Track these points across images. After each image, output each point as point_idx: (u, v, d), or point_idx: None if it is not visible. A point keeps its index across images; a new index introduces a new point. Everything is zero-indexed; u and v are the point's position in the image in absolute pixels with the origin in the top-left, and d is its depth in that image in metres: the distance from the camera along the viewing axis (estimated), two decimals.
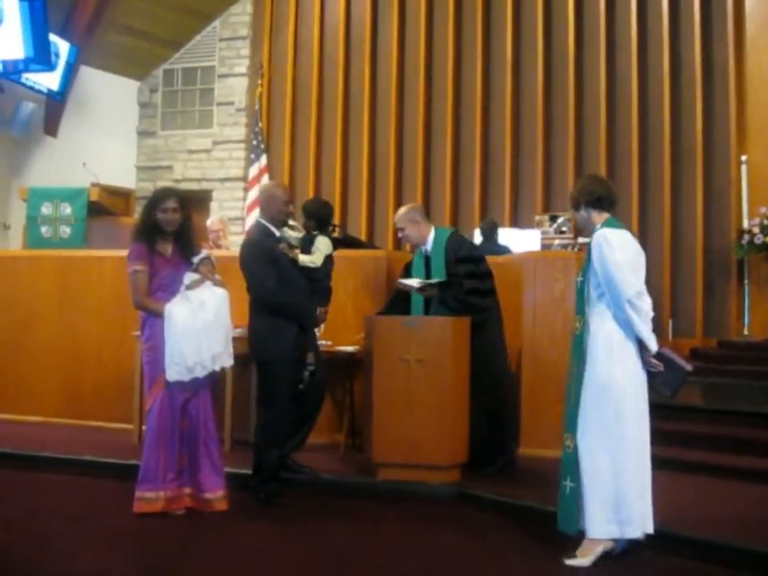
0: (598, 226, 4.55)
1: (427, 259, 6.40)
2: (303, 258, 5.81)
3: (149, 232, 5.24)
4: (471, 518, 5.34)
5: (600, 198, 4.57)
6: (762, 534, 4.71)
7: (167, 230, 5.26)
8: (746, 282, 9.80)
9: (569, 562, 4.33)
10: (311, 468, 6.05)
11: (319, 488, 5.89)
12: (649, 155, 10.50)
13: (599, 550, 4.34)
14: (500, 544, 4.81)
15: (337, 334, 6.86)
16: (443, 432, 5.72)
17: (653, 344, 4.37)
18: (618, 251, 4.36)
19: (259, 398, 5.78)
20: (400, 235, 6.52)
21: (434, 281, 6.18)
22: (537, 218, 10.37)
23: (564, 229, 10.01)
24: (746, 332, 9.68)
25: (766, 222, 9.35)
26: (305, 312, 5.77)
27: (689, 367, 4.53)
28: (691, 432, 6.57)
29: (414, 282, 6.20)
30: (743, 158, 9.91)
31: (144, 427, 6.15)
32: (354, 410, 6.94)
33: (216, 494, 5.22)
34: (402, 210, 6.53)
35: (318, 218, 6.30)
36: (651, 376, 4.46)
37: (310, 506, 5.50)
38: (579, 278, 4.56)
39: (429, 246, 6.37)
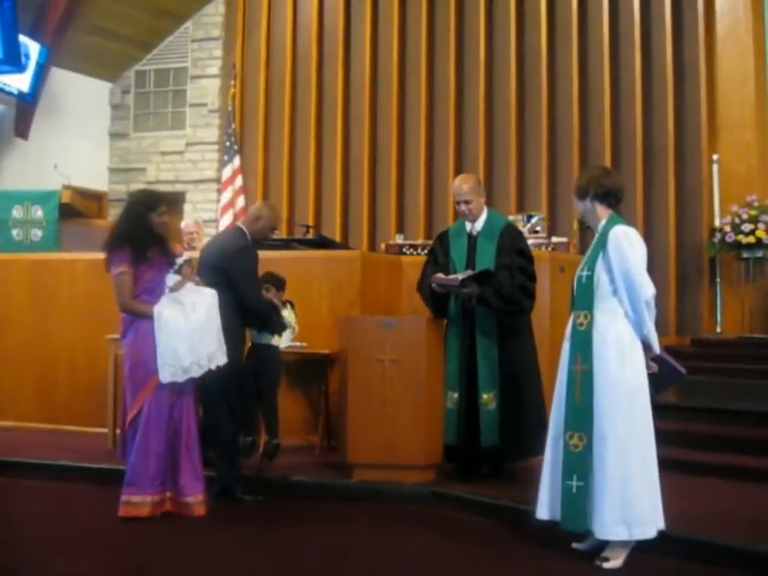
0: (603, 220, 4.49)
1: (471, 239, 5.95)
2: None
3: (143, 237, 5.20)
4: (446, 517, 5.34)
5: (609, 192, 4.50)
6: (736, 529, 4.74)
7: (161, 232, 5.26)
8: (717, 280, 9.86)
9: (605, 565, 4.27)
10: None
11: (294, 489, 5.87)
12: (621, 154, 10.55)
13: (628, 549, 4.32)
14: (476, 543, 4.81)
15: (311, 335, 6.84)
16: (418, 432, 5.71)
17: (657, 346, 4.35)
18: (638, 249, 4.33)
19: (201, 400, 5.70)
20: (463, 208, 5.88)
21: (472, 272, 5.71)
22: (510, 217, 10.37)
23: (538, 228, 10.04)
24: (718, 330, 9.75)
25: (737, 220, 9.43)
26: (278, 323, 6.06)
27: (683, 370, 4.51)
28: (664, 429, 6.58)
29: (457, 276, 5.70)
30: (714, 156, 9.98)
31: (118, 431, 6.14)
32: (329, 411, 6.93)
33: (196, 498, 5.20)
34: (468, 180, 5.99)
35: (277, 287, 6.35)
36: None
37: (285, 508, 5.49)
38: (585, 272, 4.45)
39: (479, 225, 5.92)
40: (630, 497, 4.23)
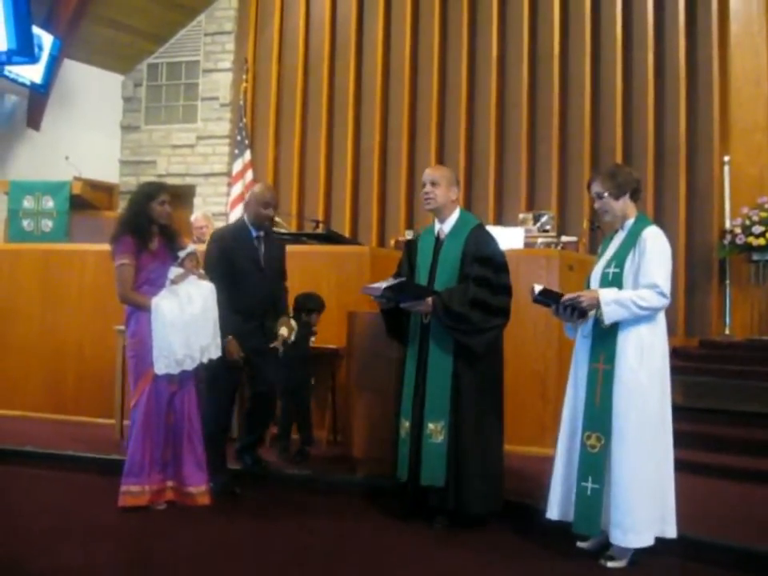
0: (632, 218, 4.49)
1: (438, 243, 5.16)
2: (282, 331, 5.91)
3: (142, 225, 5.23)
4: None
5: (637, 189, 4.56)
6: (741, 531, 4.74)
7: (161, 222, 5.27)
8: (727, 282, 9.85)
9: (610, 564, 4.27)
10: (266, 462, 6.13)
11: (300, 484, 5.87)
12: (632, 154, 10.53)
13: (633, 549, 4.31)
14: (480, 540, 4.80)
15: (320, 330, 6.84)
16: None
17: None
18: (668, 254, 4.34)
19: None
20: (426, 190, 5.10)
21: (394, 280, 4.98)
22: (520, 215, 10.39)
23: (547, 227, 10.04)
24: (727, 332, 9.74)
25: (747, 222, 9.40)
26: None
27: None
28: (673, 430, 6.60)
29: (381, 284, 4.93)
30: (726, 158, 9.96)
31: (126, 422, 6.17)
32: (335, 406, 6.93)
33: (199, 488, 5.23)
34: (441, 168, 5.45)
35: (305, 309, 6.51)
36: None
37: (290, 502, 5.50)
38: (612, 269, 4.40)
39: (447, 226, 5.14)
40: (645, 501, 4.22)
